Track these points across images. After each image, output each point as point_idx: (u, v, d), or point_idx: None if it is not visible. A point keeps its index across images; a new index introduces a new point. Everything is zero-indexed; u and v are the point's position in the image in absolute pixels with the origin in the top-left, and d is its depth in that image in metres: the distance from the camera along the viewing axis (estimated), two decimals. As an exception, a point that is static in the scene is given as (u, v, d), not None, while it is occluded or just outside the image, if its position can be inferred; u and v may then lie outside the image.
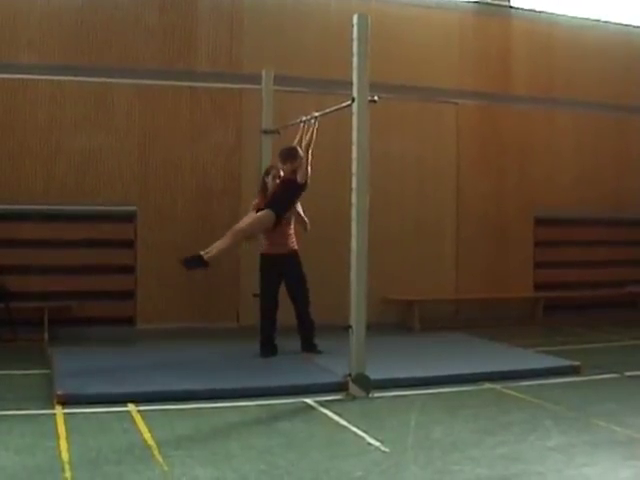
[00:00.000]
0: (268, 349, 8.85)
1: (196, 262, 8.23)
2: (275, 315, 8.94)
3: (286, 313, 8.98)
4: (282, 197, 8.61)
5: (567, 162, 13.11)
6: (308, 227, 9.12)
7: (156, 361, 8.55)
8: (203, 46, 11.23)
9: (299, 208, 9.06)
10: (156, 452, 5.60)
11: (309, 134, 8.63)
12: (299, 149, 8.70)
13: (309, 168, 8.53)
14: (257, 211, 8.69)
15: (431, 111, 12.31)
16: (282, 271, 8.94)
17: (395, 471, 5.32)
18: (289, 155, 8.70)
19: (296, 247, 9.04)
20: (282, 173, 8.85)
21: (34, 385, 7.72)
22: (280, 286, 9.00)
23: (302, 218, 9.08)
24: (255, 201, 9.09)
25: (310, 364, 8.43)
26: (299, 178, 8.55)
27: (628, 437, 6.11)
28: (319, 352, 8.72)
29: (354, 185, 7.47)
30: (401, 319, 11.80)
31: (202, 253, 8.24)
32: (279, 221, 8.51)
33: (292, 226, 9.05)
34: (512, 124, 12.78)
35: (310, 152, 8.54)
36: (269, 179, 9.02)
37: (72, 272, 10.58)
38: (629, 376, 8.47)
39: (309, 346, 8.97)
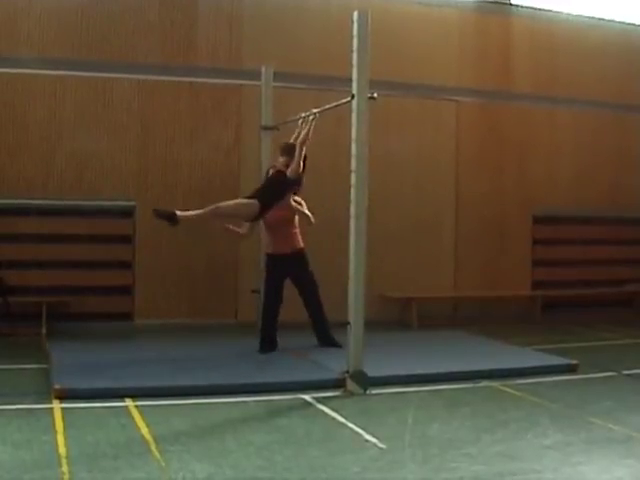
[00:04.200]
0: (268, 345, 8.86)
1: (168, 216, 7.99)
2: (277, 313, 8.96)
3: (286, 310, 9.03)
4: (269, 189, 8.43)
5: (566, 160, 13.11)
6: (312, 220, 8.99)
7: (154, 356, 8.55)
8: (203, 41, 11.21)
9: (304, 207, 9.01)
10: (153, 447, 5.61)
11: (305, 130, 8.56)
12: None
13: (301, 164, 8.41)
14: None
15: (431, 109, 12.30)
16: (287, 271, 8.96)
17: (392, 468, 5.33)
18: (286, 150, 8.66)
19: (301, 246, 9.04)
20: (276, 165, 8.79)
21: (32, 379, 7.71)
22: (283, 285, 9.02)
23: (305, 215, 8.99)
24: None
25: (308, 361, 8.43)
26: (289, 173, 8.44)
27: (625, 435, 6.12)
28: (339, 346, 8.43)
29: (353, 182, 7.47)
30: (399, 316, 11.79)
31: (177, 211, 8.02)
32: (262, 213, 8.24)
33: (296, 225, 9.03)
34: (512, 122, 12.76)
35: (304, 148, 8.43)
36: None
37: (70, 267, 10.57)
38: (626, 374, 8.47)
39: (327, 341, 8.98)
